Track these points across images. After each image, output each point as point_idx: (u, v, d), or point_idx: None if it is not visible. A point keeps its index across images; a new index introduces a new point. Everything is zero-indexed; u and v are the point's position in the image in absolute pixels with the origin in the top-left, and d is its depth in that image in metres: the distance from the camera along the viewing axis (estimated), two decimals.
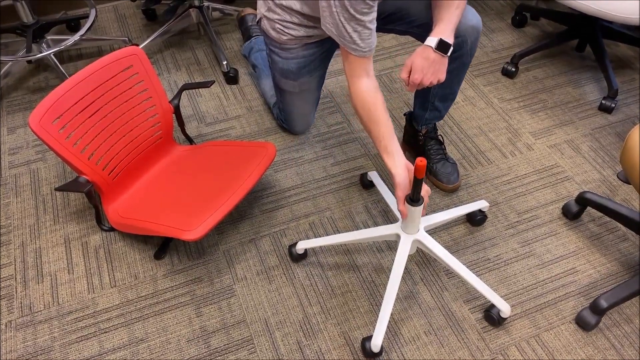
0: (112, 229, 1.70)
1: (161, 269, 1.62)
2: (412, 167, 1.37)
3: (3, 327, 1.50)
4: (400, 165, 1.37)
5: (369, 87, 1.42)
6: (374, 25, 1.36)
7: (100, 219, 1.71)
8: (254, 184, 1.57)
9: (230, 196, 1.51)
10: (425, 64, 1.40)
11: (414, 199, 1.35)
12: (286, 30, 1.60)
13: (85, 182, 1.56)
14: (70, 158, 1.52)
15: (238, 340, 1.47)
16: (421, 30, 1.50)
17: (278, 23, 1.60)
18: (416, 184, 1.30)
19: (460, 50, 1.52)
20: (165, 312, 1.52)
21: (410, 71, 1.43)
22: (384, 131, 1.40)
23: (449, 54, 1.40)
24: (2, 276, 1.60)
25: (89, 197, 1.60)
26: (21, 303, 1.55)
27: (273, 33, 1.63)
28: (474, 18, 1.50)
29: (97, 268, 1.62)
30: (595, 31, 2.17)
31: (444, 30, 1.40)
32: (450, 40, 1.40)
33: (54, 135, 1.48)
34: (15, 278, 1.60)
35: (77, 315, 1.52)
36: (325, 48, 1.69)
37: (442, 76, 1.43)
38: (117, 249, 1.66)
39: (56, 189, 1.59)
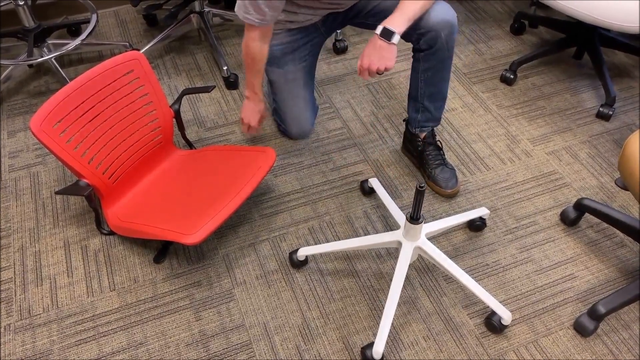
0: (111, 233, 1.70)
1: (160, 273, 1.62)
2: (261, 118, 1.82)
3: (2, 330, 1.49)
4: (256, 100, 1.78)
5: (263, 48, 1.64)
6: None
7: (100, 223, 1.71)
8: (254, 188, 1.57)
9: (230, 201, 1.51)
10: (372, 51, 1.50)
11: (414, 217, 1.40)
12: None
13: (85, 186, 1.56)
14: (71, 162, 1.52)
15: (237, 344, 1.47)
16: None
17: None
18: (417, 200, 1.33)
19: (435, 45, 1.58)
20: (165, 316, 1.52)
21: None
22: (260, 81, 1.73)
23: (393, 40, 1.48)
24: (1, 279, 1.60)
25: (89, 201, 1.61)
26: (20, 306, 1.54)
27: None
28: (447, 12, 1.56)
29: (97, 272, 1.62)
30: (593, 39, 2.18)
31: (392, 19, 1.49)
32: (396, 29, 1.47)
33: (55, 139, 1.49)
34: (15, 281, 1.60)
35: (76, 319, 1.52)
36: (310, 38, 1.76)
37: (390, 63, 1.50)
38: (117, 252, 1.67)
39: (56, 193, 1.60)
